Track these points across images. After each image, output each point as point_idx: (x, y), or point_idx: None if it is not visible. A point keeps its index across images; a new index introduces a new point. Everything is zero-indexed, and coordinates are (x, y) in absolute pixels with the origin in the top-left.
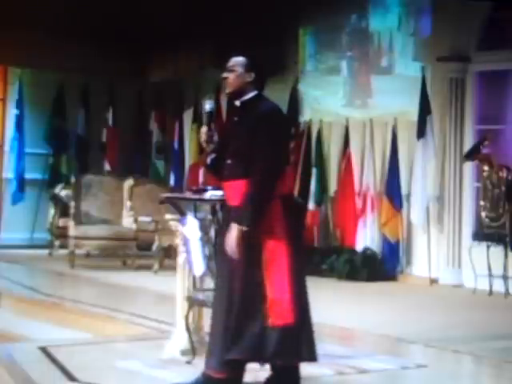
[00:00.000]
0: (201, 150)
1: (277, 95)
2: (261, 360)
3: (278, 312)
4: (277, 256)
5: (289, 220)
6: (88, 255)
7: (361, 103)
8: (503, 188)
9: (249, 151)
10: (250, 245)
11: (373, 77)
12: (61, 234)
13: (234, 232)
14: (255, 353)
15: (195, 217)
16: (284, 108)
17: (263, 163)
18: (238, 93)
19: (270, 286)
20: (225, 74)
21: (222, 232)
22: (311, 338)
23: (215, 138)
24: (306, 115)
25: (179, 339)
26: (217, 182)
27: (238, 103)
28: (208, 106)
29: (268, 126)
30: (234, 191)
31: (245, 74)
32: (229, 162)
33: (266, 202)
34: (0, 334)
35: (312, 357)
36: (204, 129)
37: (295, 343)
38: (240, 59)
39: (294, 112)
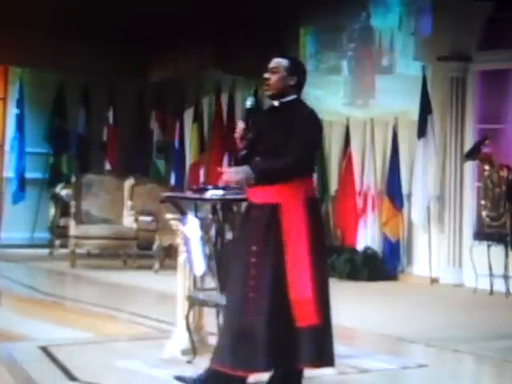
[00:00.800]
0: (202, 149)
1: None
2: (290, 364)
3: (302, 313)
4: (299, 257)
5: (311, 221)
6: (88, 255)
7: (362, 103)
8: (504, 187)
9: (282, 151)
10: (272, 243)
11: (374, 76)
12: (61, 234)
13: (242, 172)
14: (285, 359)
15: (196, 216)
16: None
17: (298, 151)
18: (278, 95)
19: (293, 285)
20: (267, 75)
21: (243, 229)
22: (332, 342)
23: (249, 135)
24: None
25: (180, 339)
26: (217, 182)
27: (276, 103)
28: (249, 102)
29: (307, 126)
30: (262, 188)
31: (287, 78)
32: (258, 159)
33: (273, 181)
34: (0, 333)
35: (332, 362)
36: (241, 125)
37: (322, 346)
38: (283, 61)
39: None
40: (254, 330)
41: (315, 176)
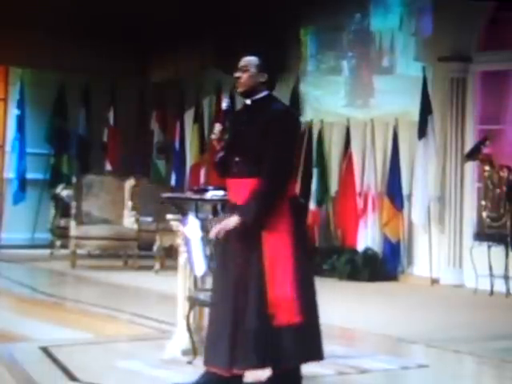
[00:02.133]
0: (202, 149)
1: (278, 95)
2: (274, 365)
3: (281, 311)
4: (280, 254)
5: (294, 220)
6: (89, 255)
7: (362, 103)
8: (504, 188)
9: (259, 150)
10: (253, 243)
11: (374, 77)
12: (62, 234)
13: (233, 220)
14: (270, 359)
15: (196, 217)
16: None
17: (276, 163)
18: (249, 92)
19: (275, 284)
20: (237, 74)
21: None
22: (319, 337)
23: (226, 136)
24: (307, 115)
25: (180, 339)
26: (218, 182)
27: (248, 102)
28: (225, 104)
29: (281, 126)
30: (242, 189)
31: (258, 74)
32: (237, 159)
33: (274, 203)
34: (1, 333)
35: (319, 355)
36: (218, 126)
37: (305, 343)
38: (253, 59)
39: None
40: (238, 329)
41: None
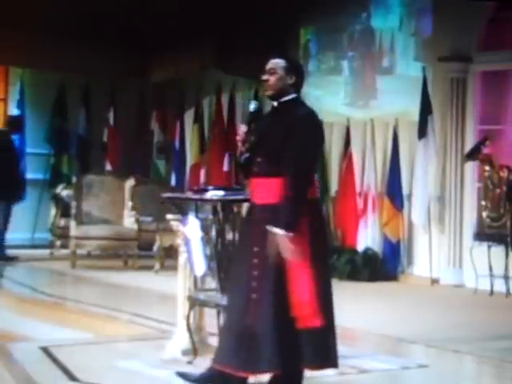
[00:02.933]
0: (202, 149)
1: None
2: (295, 366)
3: (304, 314)
4: (299, 256)
5: (313, 222)
6: (89, 255)
7: (362, 103)
8: (504, 188)
9: (281, 151)
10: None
11: (374, 77)
12: (62, 234)
13: (284, 241)
14: (290, 361)
15: (196, 217)
16: None
17: (301, 165)
18: (278, 95)
19: (293, 286)
20: (265, 77)
21: (245, 230)
22: (336, 344)
23: (252, 138)
24: None
25: (180, 339)
26: (218, 182)
27: (275, 104)
28: (252, 106)
29: (306, 128)
30: (264, 189)
31: (286, 77)
32: (259, 160)
33: (303, 204)
34: (1, 333)
35: (336, 363)
36: (243, 128)
37: (323, 347)
38: (280, 61)
39: None
40: (256, 331)
41: (317, 176)
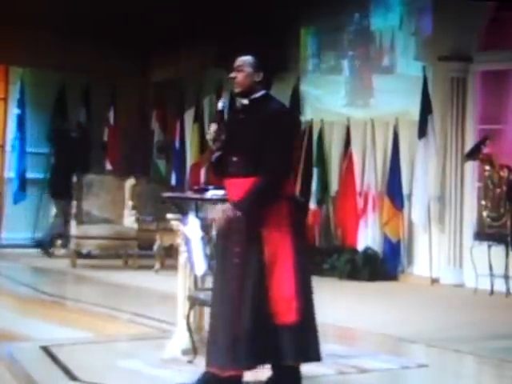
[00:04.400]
0: (202, 149)
1: (278, 95)
2: (274, 362)
3: (281, 310)
4: (280, 253)
5: (294, 220)
6: (89, 255)
7: (362, 103)
8: (504, 187)
9: (257, 149)
10: (253, 243)
11: (374, 76)
12: (62, 234)
13: (227, 208)
14: (268, 357)
15: (196, 216)
16: None
17: (276, 162)
18: (246, 92)
19: (275, 283)
20: (233, 74)
21: (224, 231)
22: (316, 337)
23: (223, 136)
24: (307, 115)
25: (180, 339)
26: (219, 182)
27: (246, 101)
28: (220, 104)
29: (279, 125)
30: (240, 188)
31: (253, 74)
32: (234, 159)
33: (269, 200)
34: (1, 333)
35: (318, 356)
36: (213, 127)
37: (302, 342)
38: (248, 59)
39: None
40: (236, 328)
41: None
